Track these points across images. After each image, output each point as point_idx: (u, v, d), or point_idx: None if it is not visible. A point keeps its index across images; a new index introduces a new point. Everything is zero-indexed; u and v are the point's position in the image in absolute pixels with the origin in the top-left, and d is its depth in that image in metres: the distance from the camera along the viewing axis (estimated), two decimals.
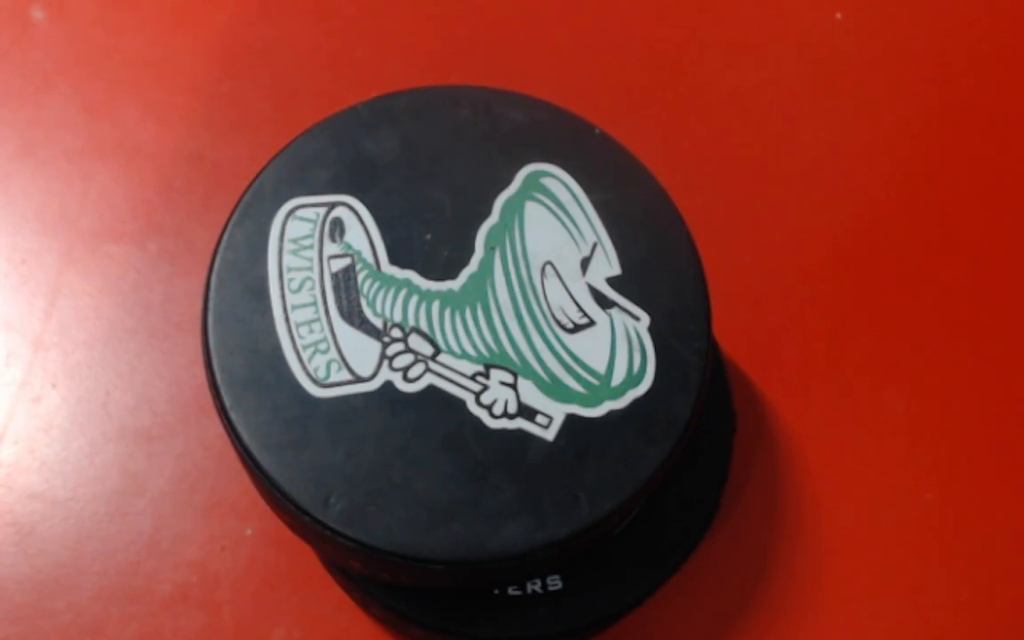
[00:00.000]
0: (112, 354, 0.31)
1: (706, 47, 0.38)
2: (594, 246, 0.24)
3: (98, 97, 0.35)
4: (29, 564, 0.28)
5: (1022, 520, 0.30)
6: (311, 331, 0.22)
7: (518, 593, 0.24)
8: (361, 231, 0.23)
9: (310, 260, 0.23)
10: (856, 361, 0.32)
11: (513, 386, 0.22)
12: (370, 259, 0.23)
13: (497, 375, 0.22)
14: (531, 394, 0.22)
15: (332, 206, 0.23)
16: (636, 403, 0.22)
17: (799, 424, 0.31)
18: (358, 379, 0.22)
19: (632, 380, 0.22)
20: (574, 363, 0.22)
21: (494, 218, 0.24)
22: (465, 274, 0.23)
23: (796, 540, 0.29)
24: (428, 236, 0.23)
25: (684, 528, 0.26)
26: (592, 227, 0.24)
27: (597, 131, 0.25)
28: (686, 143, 0.35)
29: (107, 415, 0.30)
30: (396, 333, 0.22)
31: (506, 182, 0.24)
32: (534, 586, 0.24)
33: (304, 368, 0.22)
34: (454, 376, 0.22)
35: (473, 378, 0.22)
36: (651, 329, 0.23)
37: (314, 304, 0.22)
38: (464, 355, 0.22)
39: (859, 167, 0.36)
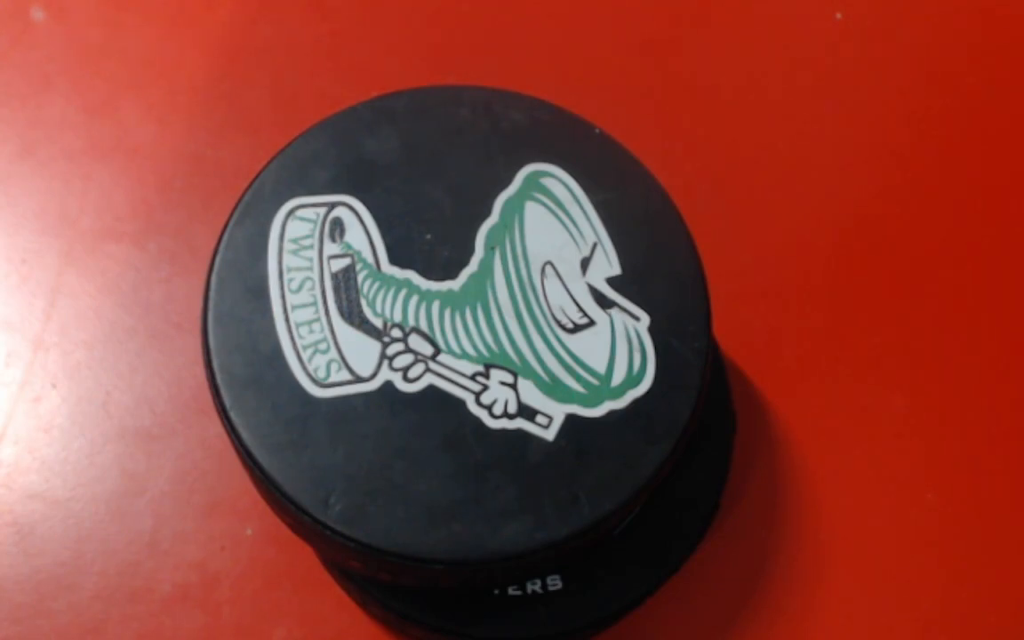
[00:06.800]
0: (112, 354, 0.31)
1: (706, 47, 0.38)
2: (594, 246, 0.24)
3: (98, 97, 0.35)
4: (29, 564, 0.28)
5: (1022, 520, 0.30)
6: (311, 331, 0.22)
7: (518, 593, 0.24)
8: (361, 231, 0.23)
9: (310, 260, 0.23)
10: (856, 361, 0.32)
11: (513, 386, 0.22)
12: (370, 259, 0.23)
13: (497, 375, 0.22)
14: (531, 394, 0.22)
15: (332, 206, 0.23)
16: (636, 403, 0.22)
17: (799, 424, 0.31)
18: (358, 379, 0.22)
19: (632, 380, 0.22)
20: (574, 363, 0.22)
21: (494, 218, 0.24)
22: (465, 274, 0.23)
23: (796, 540, 0.29)
24: (428, 236, 0.23)
25: (684, 528, 0.26)
26: (592, 227, 0.24)
27: (597, 131, 0.25)
28: (686, 143, 0.35)
29: (107, 415, 0.30)
30: (396, 333, 0.22)
31: (506, 182, 0.24)
32: (534, 586, 0.24)
33: (304, 368, 0.22)
34: (454, 376, 0.22)
35: (473, 378, 0.22)
36: (651, 329, 0.23)
37: (314, 304, 0.22)
38: (464, 355, 0.22)
39: (859, 167, 0.36)
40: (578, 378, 0.22)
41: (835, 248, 0.34)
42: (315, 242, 0.23)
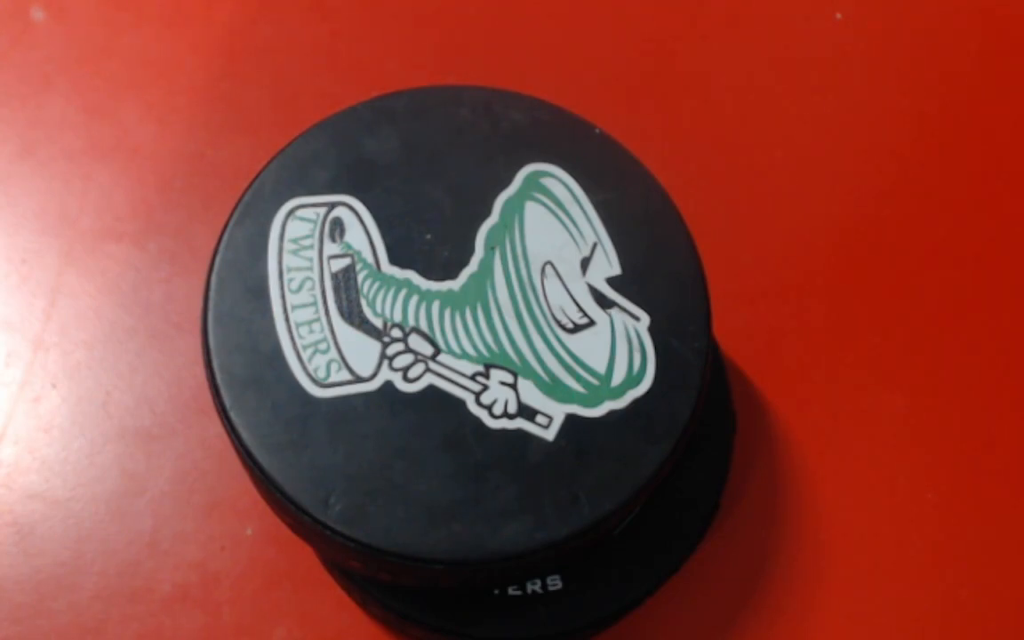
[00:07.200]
0: (112, 354, 0.31)
1: (706, 47, 0.38)
2: (594, 246, 0.24)
3: (98, 97, 0.35)
4: (29, 564, 0.28)
5: (1022, 520, 0.30)
6: (311, 331, 0.22)
7: (518, 593, 0.24)
8: (361, 231, 0.23)
9: (310, 260, 0.23)
10: (856, 361, 0.32)
11: (513, 386, 0.22)
12: (370, 259, 0.23)
13: (497, 375, 0.22)
14: (531, 394, 0.22)
15: (332, 206, 0.23)
16: (636, 403, 0.22)
17: (799, 424, 0.31)
18: (358, 379, 0.22)
19: (632, 380, 0.22)
20: (574, 363, 0.22)
21: (494, 218, 0.24)
22: (465, 274, 0.23)
23: (796, 540, 0.29)
24: (428, 236, 0.23)
25: (684, 528, 0.26)
26: (592, 227, 0.24)
27: (597, 131, 0.25)
28: (686, 143, 0.35)
29: (107, 415, 0.30)
30: (396, 333, 0.22)
31: (506, 182, 0.24)
32: (534, 586, 0.24)
33: (304, 368, 0.22)
34: (454, 376, 0.22)
35: (473, 378, 0.22)
36: (651, 329, 0.23)
37: (314, 304, 0.22)
38: (464, 355, 0.22)
39: (859, 167, 0.36)
40: (578, 378, 0.22)
41: (835, 248, 0.34)
42: (315, 242, 0.23)
